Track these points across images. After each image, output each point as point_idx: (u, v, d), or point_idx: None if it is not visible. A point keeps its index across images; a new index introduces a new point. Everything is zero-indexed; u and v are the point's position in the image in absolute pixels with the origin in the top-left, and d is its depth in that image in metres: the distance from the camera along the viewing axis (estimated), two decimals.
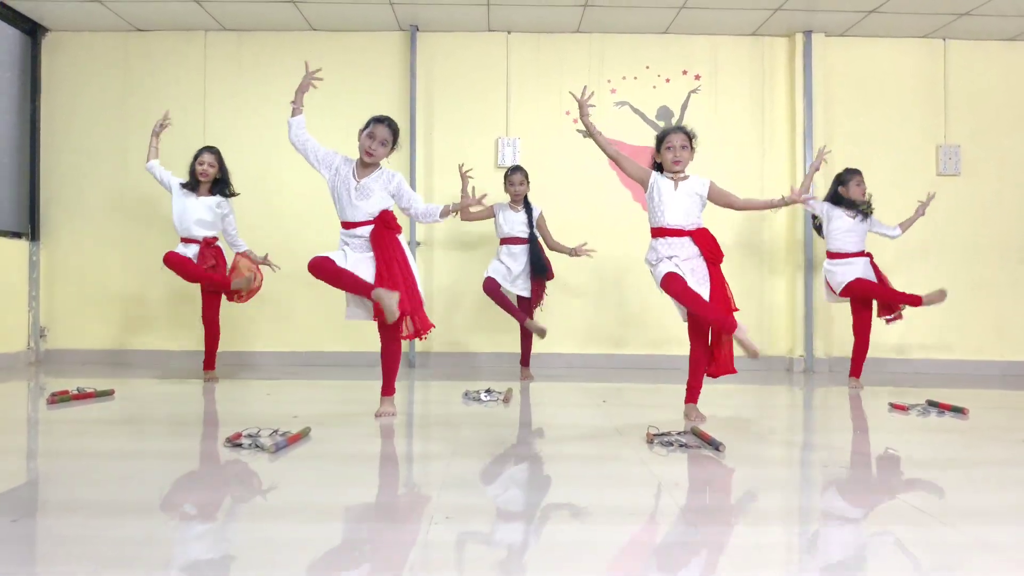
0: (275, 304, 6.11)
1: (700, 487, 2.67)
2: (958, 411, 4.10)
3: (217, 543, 1.97)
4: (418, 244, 6.29)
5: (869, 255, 5.18)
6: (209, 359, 5.21)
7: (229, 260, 5.19)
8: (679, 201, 3.78)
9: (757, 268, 6.40)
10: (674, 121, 6.43)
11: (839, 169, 5.30)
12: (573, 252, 5.36)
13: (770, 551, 2.00)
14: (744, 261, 6.38)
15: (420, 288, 3.81)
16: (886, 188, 6.19)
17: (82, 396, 4.22)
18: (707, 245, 3.77)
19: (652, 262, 3.79)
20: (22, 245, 6.19)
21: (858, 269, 5.11)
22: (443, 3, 5.86)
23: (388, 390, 3.90)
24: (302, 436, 3.22)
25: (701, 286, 3.70)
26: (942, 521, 2.18)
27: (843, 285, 5.12)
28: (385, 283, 3.66)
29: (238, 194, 5.20)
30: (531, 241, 5.33)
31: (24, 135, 6.28)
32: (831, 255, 5.19)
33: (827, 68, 6.40)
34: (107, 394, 4.37)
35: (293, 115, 3.87)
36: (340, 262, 3.74)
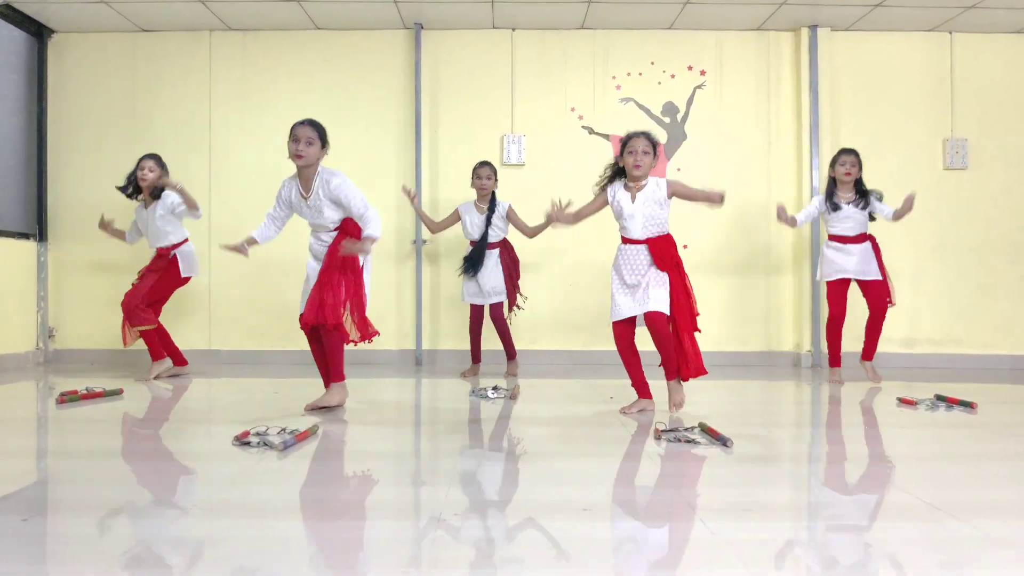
0: (281, 303, 6.13)
1: (708, 483, 2.67)
2: (967, 405, 4.09)
3: (227, 542, 1.98)
4: (424, 242, 6.29)
5: (871, 237, 5.16)
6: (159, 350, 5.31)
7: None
8: (637, 213, 3.88)
9: (764, 263, 6.39)
10: (679, 117, 6.42)
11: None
12: (549, 219, 5.31)
13: (779, 546, 1.99)
14: (751, 256, 6.37)
15: (367, 293, 3.93)
16: (893, 183, 6.17)
17: (91, 396, 4.24)
18: (659, 253, 3.85)
19: (613, 284, 3.95)
20: (30, 246, 6.22)
21: (852, 263, 5.09)
22: (447, 1, 5.86)
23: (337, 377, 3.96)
24: (310, 434, 3.23)
25: (655, 290, 3.81)
26: (952, 516, 2.17)
27: (828, 277, 5.17)
28: (322, 294, 3.77)
29: (162, 187, 5.20)
30: (479, 241, 5.33)
31: (31, 137, 6.30)
32: (831, 237, 5.19)
33: (833, 63, 6.38)
34: (116, 393, 4.39)
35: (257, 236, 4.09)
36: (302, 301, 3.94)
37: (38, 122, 6.34)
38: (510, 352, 5.54)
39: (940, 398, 4.27)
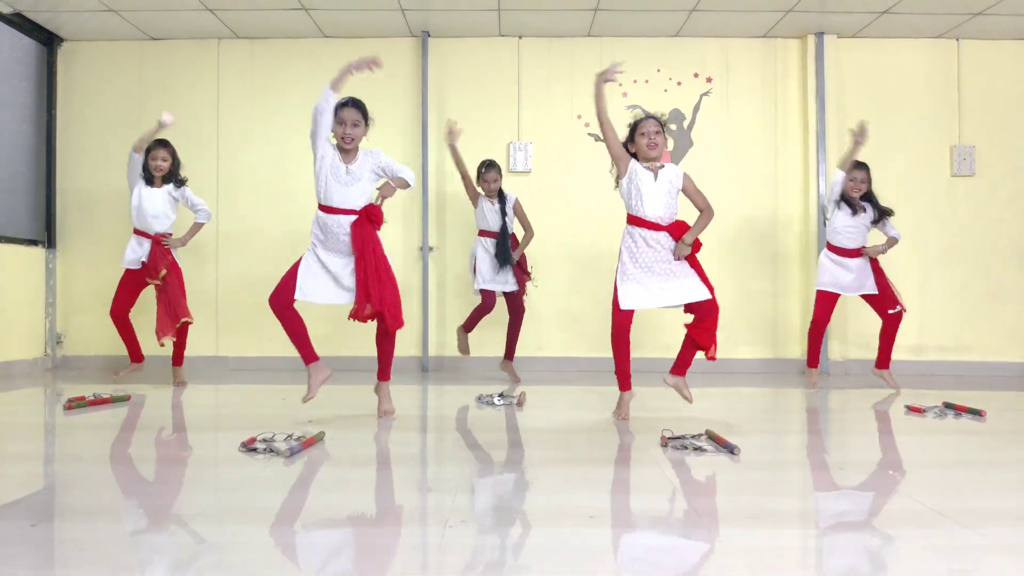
0: None
1: (715, 491, 2.66)
2: (975, 413, 4.07)
3: (233, 548, 1.98)
4: (431, 249, 6.30)
5: (863, 253, 5.15)
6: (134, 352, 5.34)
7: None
8: (659, 192, 3.83)
9: (771, 270, 6.38)
10: (686, 124, 6.42)
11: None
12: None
13: (786, 554, 1.98)
14: (758, 263, 6.36)
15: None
16: (900, 190, 6.18)
17: (98, 402, 4.25)
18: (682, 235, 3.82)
19: (623, 269, 3.85)
20: (39, 253, 6.25)
21: (848, 280, 5.12)
22: (454, 9, 5.88)
23: (383, 376, 4.00)
24: (316, 440, 3.23)
25: (677, 280, 3.78)
26: (960, 524, 2.16)
27: (821, 286, 5.18)
28: (369, 289, 3.70)
29: (186, 179, 5.25)
30: (502, 232, 5.41)
31: (40, 144, 6.34)
32: (830, 247, 5.19)
33: (840, 70, 6.37)
34: (123, 399, 4.40)
35: (333, 90, 3.77)
36: (305, 288, 3.77)
37: (47, 130, 6.38)
38: (512, 350, 5.56)
39: (948, 406, 4.25)
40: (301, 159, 6.36)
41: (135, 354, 5.36)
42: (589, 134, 6.42)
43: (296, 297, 3.76)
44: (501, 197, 5.48)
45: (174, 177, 5.19)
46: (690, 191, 3.91)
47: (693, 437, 3.28)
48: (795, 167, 6.41)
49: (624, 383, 3.94)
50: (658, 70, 6.45)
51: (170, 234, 5.21)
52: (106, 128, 6.44)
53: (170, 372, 5.41)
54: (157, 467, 2.96)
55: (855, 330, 6.18)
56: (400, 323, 3.83)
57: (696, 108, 6.45)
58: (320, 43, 6.43)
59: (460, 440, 3.51)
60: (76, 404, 4.14)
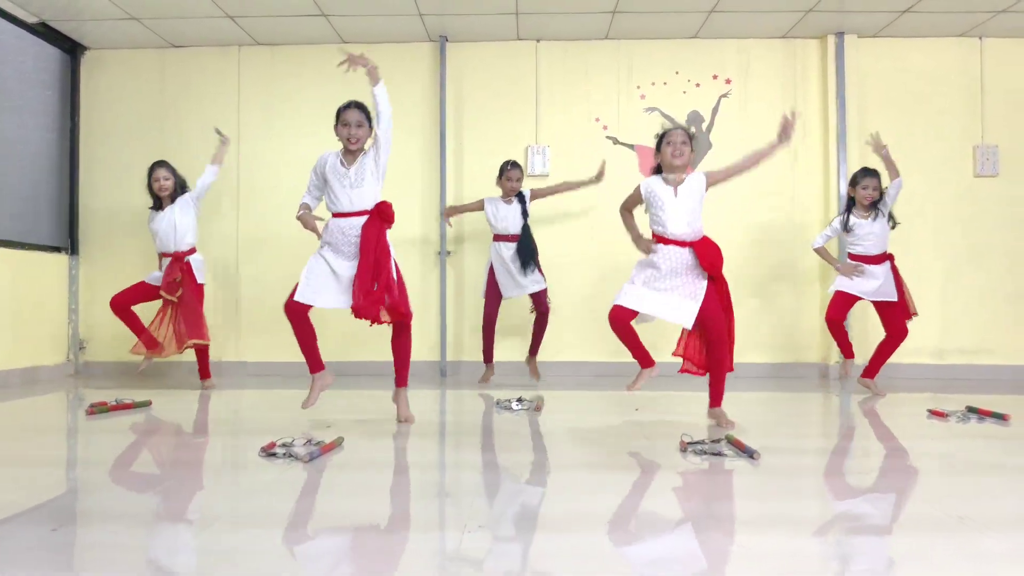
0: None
1: (735, 496, 2.64)
2: (999, 417, 4.02)
3: (252, 553, 1.99)
4: (448, 253, 6.31)
5: (891, 256, 5.11)
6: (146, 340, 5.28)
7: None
8: (681, 208, 3.81)
9: (791, 275, 6.33)
10: (704, 127, 6.39)
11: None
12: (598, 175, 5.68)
13: (805, 560, 1.96)
14: (777, 268, 6.31)
15: (394, 279, 3.78)
16: (923, 190, 6.11)
17: (120, 407, 4.29)
18: (708, 257, 3.76)
19: (633, 274, 3.89)
20: (62, 259, 6.32)
21: (872, 287, 5.07)
22: (472, 13, 5.90)
23: (400, 382, 3.99)
24: (336, 445, 3.24)
25: (685, 302, 3.76)
26: (983, 530, 2.13)
27: (841, 287, 5.13)
28: (368, 286, 3.66)
29: (185, 183, 5.31)
30: (524, 232, 5.46)
31: (64, 152, 6.42)
32: (853, 257, 5.15)
33: (860, 70, 6.32)
34: (145, 405, 4.44)
35: (376, 83, 3.81)
36: (308, 291, 3.76)
37: (71, 137, 6.47)
38: (536, 347, 5.57)
39: (972, 410, 4.19)
40: None
41: (149, 342, 5.20)
42: (607, 137, 6.41)
43: (296, 299, 3.75)
44: (520, 196, 5.52)
45: (180, 194, 5.23)
46: (719, 178, 3.88)
47: (713, 442, 3.25)
48: (815, 169, 6.35)
49: (644, 361, 3.92)
50: (676, 72, 6.42)
51: (193, 249, 5.24)
52: (129, 135, 6.51)
53: (186, 378, 5.45)
54: (177, 472, 2.99)
55: (875, 335, 6.10)
56: (403, 312, 3.75)
57: (715, 110, 6.41)
58: (339, 49, 6.45)
59: (477, 445, 3.50)
60: (98, 409, 4.18)
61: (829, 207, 6.24)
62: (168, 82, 6.54)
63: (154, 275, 5.25)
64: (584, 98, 6.43)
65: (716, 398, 3.91)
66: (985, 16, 5.90)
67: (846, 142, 6.19)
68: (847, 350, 5.34)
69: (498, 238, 5.51)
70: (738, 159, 3.91)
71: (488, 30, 6.23)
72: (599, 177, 5.66)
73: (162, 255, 5.22)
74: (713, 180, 3.87)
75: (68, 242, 6.42)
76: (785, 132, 3.79)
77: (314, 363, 3.89)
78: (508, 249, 5.46)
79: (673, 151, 3.80)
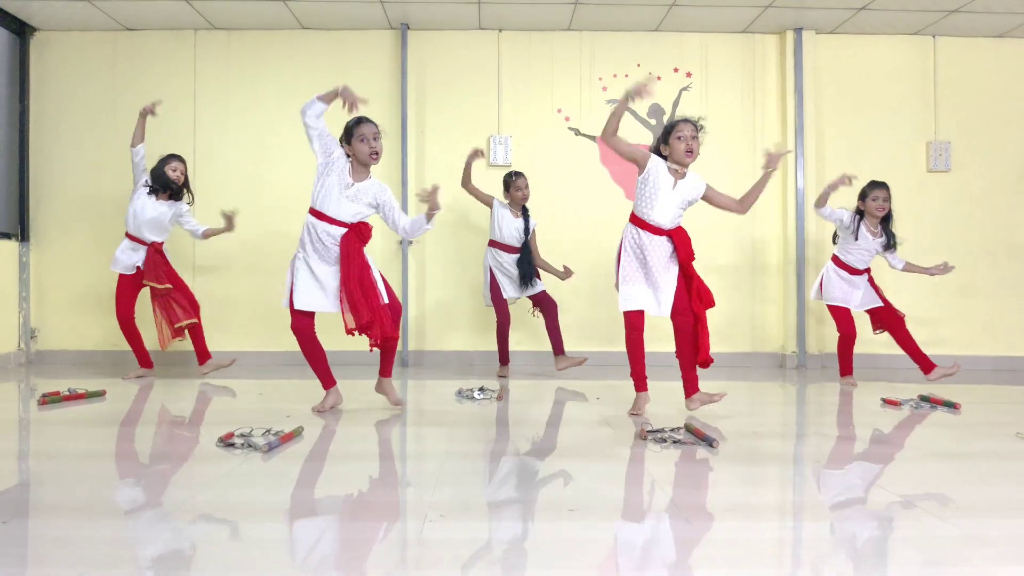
0: (265, 304, 6.11)
1: (693, 483, 2.67)
2: (950, 406, 4.13)
3: (210, 543, 1.96)
4: (410, 243, 6.28)
5: (867, 270, 5.18)
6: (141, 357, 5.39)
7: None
8: (672, 202, 3.80)
9: (749, 264, 6.41)
10: (665, 119, 6.43)
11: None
12: (564, 275, 5.57)
13: (763, 547, 2.00)
14: (736, 257, 6.40)
15: (383, 291, 3.86)
16: None
17: (73, 397, 4.20)
18: (683, 246, 3.80)
19: (623, 271, 3.83)
20: (12, 246, 6.15)
21: (857, 297, 5.14)
22: (434, 1, 5.85)
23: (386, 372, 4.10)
24: (295, 435, 3.21)
25: (666, 282, 3.79)
26: (936, 516, 2.19)
27: (832, 302, 5.17)
28: (354, 302, 3.74)
29: (192, 203, 5.38)
30: (523, 249, 5.40)
31: (13, 136, 6.24)
32: (840, 263, 5.15)
33: (817, 65, 6.42)
34: (98, 395, 4.35)
35: (321, 101, 3.75)
36: (300, 296, 3.83)
37: (20, 121, 6.28)
38: (559, 344, 5.51)
39: (924, 398, 4.30)
40: (278, 151, 6.33)
41: (144, 360, 5.37)
42: (570, 128, 6.42)
43: (298, 307, 3.84)
44: (525, 213, 5.46)
45: (182, 192, 5.26)
46: (714, 200, 3.88)
47: (672, 430, 3.29)
48: None
49: (640, 384, 3.91)
50: (638, 64, 6.45)
51: (163, 243, 5.27)
52: (80, 119, 6.35)
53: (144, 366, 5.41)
54: (132, 463, 2.93)
55: (832, 324, 6.22)
56: (388, 333, 3.82)
57: (675, 103, 6.46)
58: (298, 35, 6.37)
59: (439, 435, 3.50)
60: (51, 399, 4.09)
61: (787, 199, 6.33)
62: (121, 66, 6.38)
63: (124, 263, 5.22)
64: (547, 89, 6.43)
65: (690, 387, 3.91)
66: (938, 15, 6.03)
67: (803, 136, 6.29)
68: (848, 368, 5.23)
69: (495, 244, 5.46)
70: (736, 199, 3.90)
71: (450, 19, 6.19)
72: (565, 276, 5.60)
73: (131, 236, 5.21)
74: (708, 198, 3.87)
75: (18, 229, 6.24)
76: (771, 164, 3.77)
77: (325, 380, 4.00)
78: (507, 255, 5.42)
79: (687, 147, 3.72)
